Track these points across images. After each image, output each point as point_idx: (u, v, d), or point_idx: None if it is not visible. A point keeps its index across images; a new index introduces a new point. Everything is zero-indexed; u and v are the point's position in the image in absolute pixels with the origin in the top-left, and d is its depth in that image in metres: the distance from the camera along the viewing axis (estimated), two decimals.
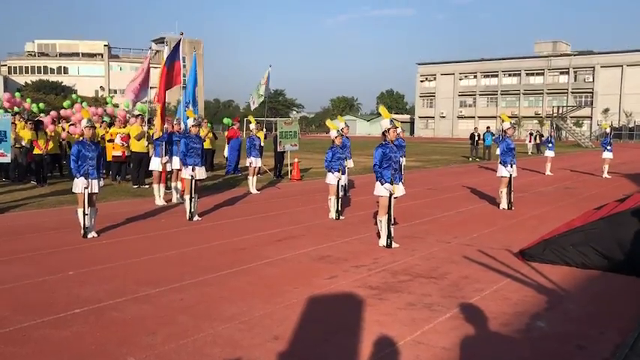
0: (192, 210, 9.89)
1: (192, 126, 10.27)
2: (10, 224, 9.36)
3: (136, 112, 17.73)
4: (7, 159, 11.68)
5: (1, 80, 70.07)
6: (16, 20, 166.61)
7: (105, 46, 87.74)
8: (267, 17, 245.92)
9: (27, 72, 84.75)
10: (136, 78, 12.41)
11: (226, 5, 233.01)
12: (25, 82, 74.78)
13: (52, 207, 11.15)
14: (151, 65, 12.93)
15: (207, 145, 17.47)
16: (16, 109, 20.43)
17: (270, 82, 18.68)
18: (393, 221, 7.85)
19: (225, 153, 20.34)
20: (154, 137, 11.79)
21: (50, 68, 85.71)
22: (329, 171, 10.20)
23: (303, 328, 4.68)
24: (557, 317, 5.06)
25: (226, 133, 20.61)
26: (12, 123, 13.66)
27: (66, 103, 22.64)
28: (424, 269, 6.66)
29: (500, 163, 11.50)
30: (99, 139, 15.38)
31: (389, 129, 7.74)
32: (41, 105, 21.18)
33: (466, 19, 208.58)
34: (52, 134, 15.44)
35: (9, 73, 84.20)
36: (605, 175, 18.98)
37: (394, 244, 7.74)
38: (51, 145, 15.11)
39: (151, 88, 13.27)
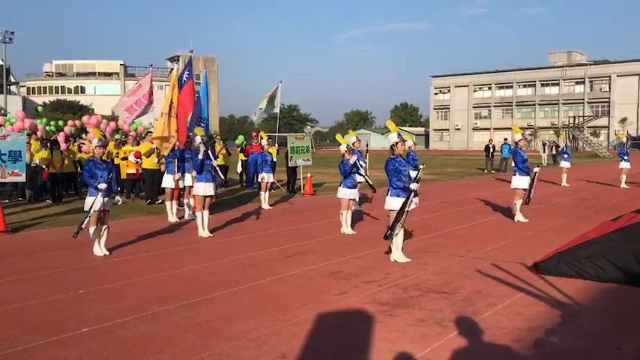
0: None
1: (200, 143, 10.28)
2: (24, 243, 9.43)
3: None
4: (23, 178, 11.80)
5: (20, 101, 71.18)
6: (34, 42, 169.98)
7: (121, 65, 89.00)
8: (282, 33, 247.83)
9: (45, 92, 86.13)
10: (130, 95, 12.28)
11: (240, 22, 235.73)
12: (44, 102, 75.83)
13: (66, 225, 11.20)
14: (154, 81, 12.92)
15: (220, 161, 17.53)
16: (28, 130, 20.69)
17: (284, 97, 18.83)
18: (402, 233, 7.79)
19: (238, 169, 20.43)
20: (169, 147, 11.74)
21: (68, 88, 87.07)
22: (341, 185, 10.14)
23: (310, 346, 4.62)
24: (572, 332, 4.94)
25: (238, 149, 20.83)
26: (27, 142, 13.83)
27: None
28: (436, 284, 6.56)
29: (514, 174, 11.42)
30: (113, 156, 15.54)
31: (397, 142, 7.71)
32: (52, 124, 21.38)
33: (480, 30, 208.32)
34: (67, 153, 15.59)
35: (28, 93, 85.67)
36: (623, 185, 18.70)
37: (394, 256, 7.69)
38: (66, 163, 15.25)
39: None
